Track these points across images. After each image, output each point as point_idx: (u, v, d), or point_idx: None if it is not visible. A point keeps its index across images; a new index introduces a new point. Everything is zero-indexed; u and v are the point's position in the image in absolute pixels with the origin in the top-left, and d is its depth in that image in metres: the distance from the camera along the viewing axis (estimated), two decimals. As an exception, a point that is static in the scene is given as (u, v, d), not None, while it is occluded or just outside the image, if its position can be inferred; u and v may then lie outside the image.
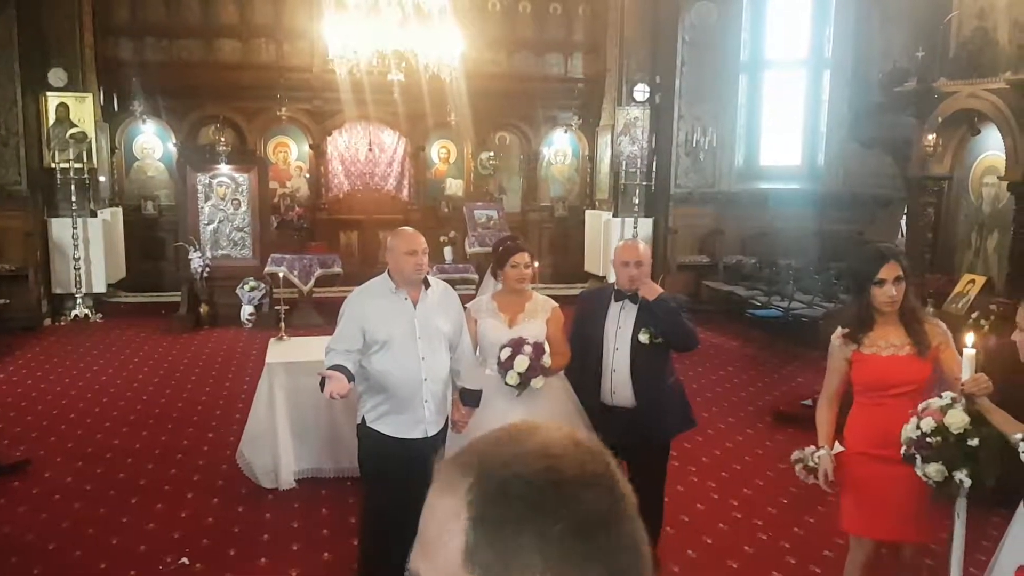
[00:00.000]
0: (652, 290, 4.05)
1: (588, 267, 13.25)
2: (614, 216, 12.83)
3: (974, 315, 5.67)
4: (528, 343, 3.99)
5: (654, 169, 12.67)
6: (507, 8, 13.15)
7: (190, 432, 6.52)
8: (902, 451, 3.19)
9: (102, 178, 11.58)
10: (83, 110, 10.81)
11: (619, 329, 4.18)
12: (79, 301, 10.79)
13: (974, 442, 3.11)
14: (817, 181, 12.37)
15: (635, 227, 12.49)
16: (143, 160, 12.39)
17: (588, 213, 13.45)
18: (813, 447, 3.64)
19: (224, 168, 10.67)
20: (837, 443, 3.63)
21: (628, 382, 4.13)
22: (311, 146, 12.81)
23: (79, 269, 10.73)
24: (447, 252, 11.59)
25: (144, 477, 5.65)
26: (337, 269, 10.62)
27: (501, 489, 0.88)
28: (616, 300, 4.23)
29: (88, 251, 10.84)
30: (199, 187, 10.59)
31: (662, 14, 12.56)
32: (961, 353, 3.24)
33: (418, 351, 3.82)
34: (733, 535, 4.98)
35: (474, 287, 9.26)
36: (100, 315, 10.88)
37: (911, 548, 3.66)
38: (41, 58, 10.39)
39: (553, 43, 13.37)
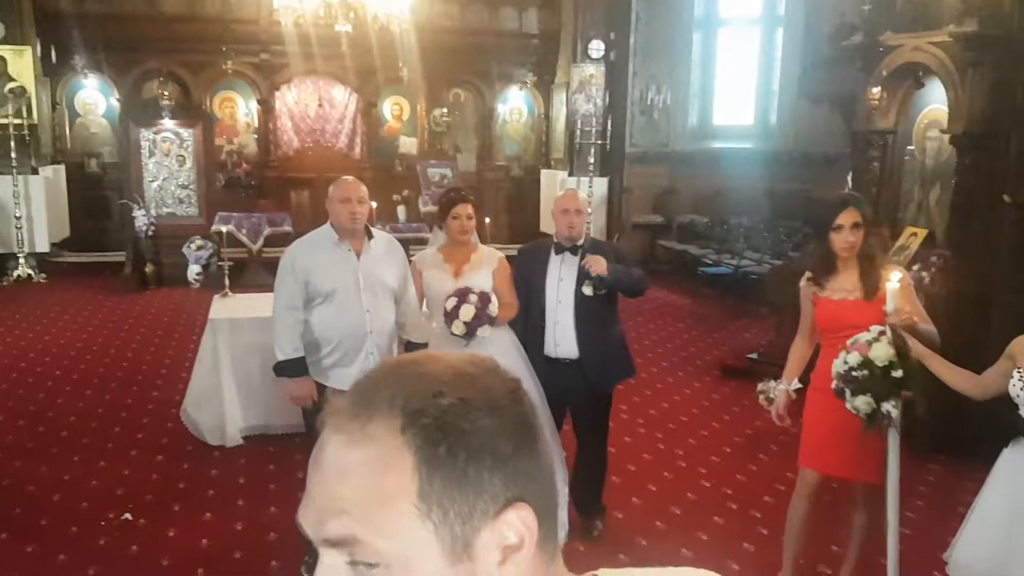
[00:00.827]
0: (600, 265, 4.01)
1: (544, 227, 13.19)
2: (570, 175, 12.78)
3: (915, 267, 5.77)
4: (474, 292, 3.96)
5: (609, 128, 12.64)
6: (460, -40, 12.92)
7: (134, 391, 6.41)
8: (832, 386, 3.30)
9: (43, 135, 11.25)
10: (22, 64, 10.45)
11: (561, 281, 4.17)
12: (21, 261, 10.51)
13: (898, 373, 3.20)
14: (769, 140, 12.46)
15: (590, 186, 12.46)
16: (85, 116, 12.00)
17: (544, 172, 13.39)
18: (776, 381, 3.87)
19: (168, 123, 10.40)
20: (796, 380, 3.83)
21: (572, 334, 4.14)
22: (259, 101, 12.51)
23: (20, 228, 10.44)
24: (400, 211, 11.48)
25: (87, 436, 5.55)
26: (287, 228, 10.43)
27: (441, 419, 0.81)
28: (557, 253, 4.22)
29: (30, 209, 10.54)
30: (143, 143, 10.32)
31: (616, -31, 12.45)
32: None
33: (363, 303, 3.78)
34: (677, 483, 5.06)
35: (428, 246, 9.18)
36: (43, 275, 10.61)
37: (862, 490, 3.77)
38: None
39: (507, -3, 13.18)
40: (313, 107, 12.77)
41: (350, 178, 3.93)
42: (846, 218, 3.43)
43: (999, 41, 5.14)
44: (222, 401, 5.33)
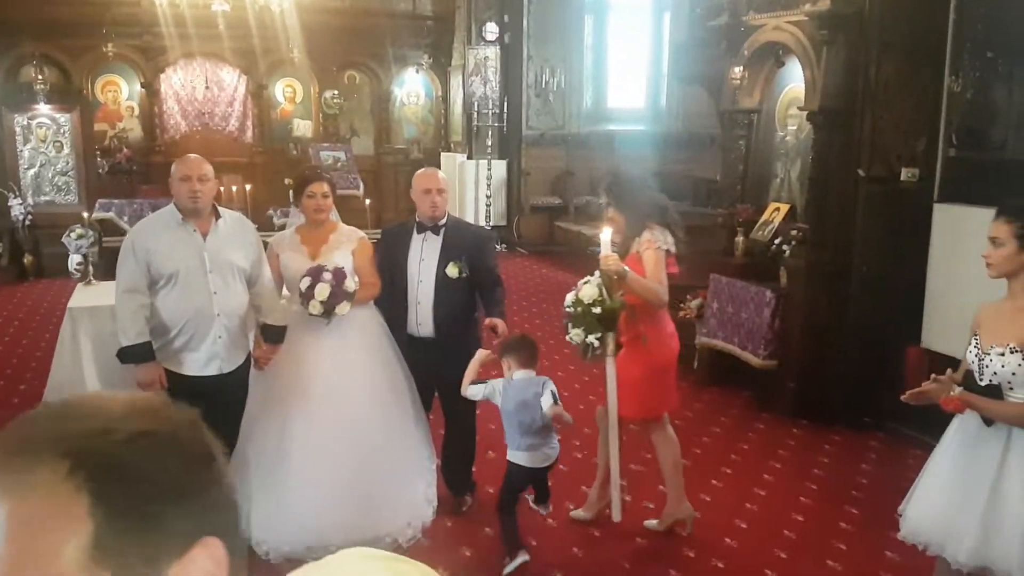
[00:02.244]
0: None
1: (448, 209, 13.17)
2: (468, 158, 12.78)
3: (777, 240, 5.98)
4: (327, 270, 3.92)
5: (506, 111, 12.67)
6: (350, -60, 12.71)
7: (22, 389, 6.17)
8: (564, 322, 3.91)
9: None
10: None
11: (423, 261, 4.17)
12: None
13: (597, 310, 3.78)
14: (659, 122, 12.70)
15: (489, 169, 12.51)
16: (-45, 101, 11.40)
17: (443, 155, 13.31)
18: None
19: (43, 108, 9.96)
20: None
21: (430, 313, 4.14)
22: (143, 85, 12.07)
23: None
24: (292, 195, 11.25)
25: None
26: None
27: (115, 457, 0.73)
28: (419, 232, 4.21)
29: None
30: (17, 129, 9.85)
31: (508, -49, 12.45)
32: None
33: (209, 285, 3.69)
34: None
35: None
36: (-89, 268, 10.07)
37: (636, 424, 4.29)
38: None
39: (400, -22, 13.04)
40: (201, 90, 12.40)
41: (193, 155, 3.82)
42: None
43: (851, 19, 5.34)
44: (84, 386, 5.13)
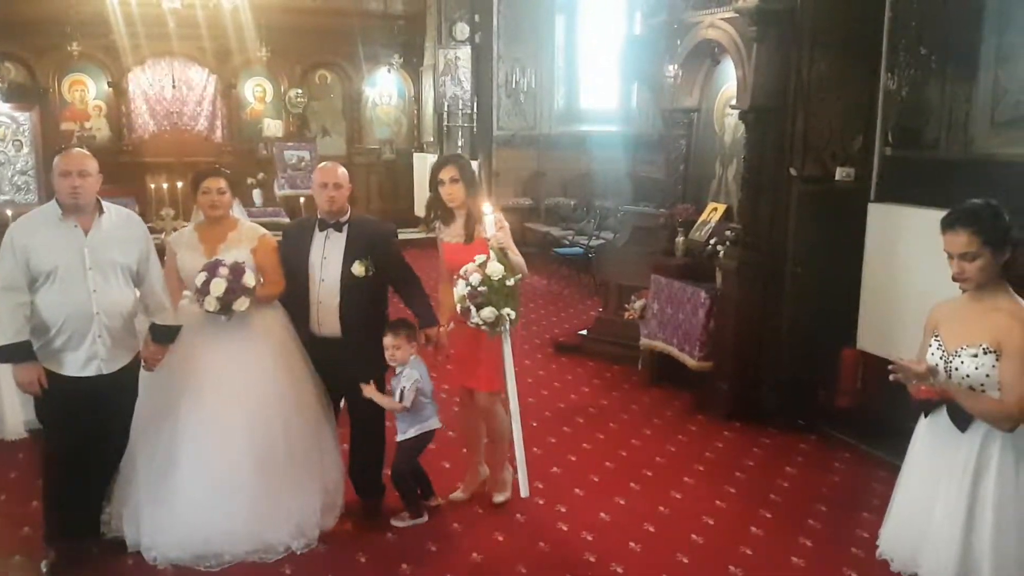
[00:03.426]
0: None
1: (419, 211, 13.06)
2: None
3: (712, 240, 5.89)
4: (224, 265, 3.82)
5: (476, 111, 12.59)
6: (320, -61, 12.64)
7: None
8: (457, 309, 3.99)
9: None
10: None
11: (325, 260, 4.07)
12: None
13: (511, 282, 3.97)
14: (631, 123, 12.58)
15: (457, 169, 12.40)
16: (-80, 101, 11.34)
17: (416, 156, 13.24)
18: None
19: (2, 107, 9.88)
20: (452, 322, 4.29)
21: (335, 313, 4.04)
22: (110, 84, 12.03)
23: None
24: (256, 194, 11.21)
25: None
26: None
27: None
28: (321, 230, 4.12)
29: None
30: (-24, 128, 9.80)
31: (479, -49, 12.38)
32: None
33: (88, 283, 3.58)
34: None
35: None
36: None
37: (484, 398, 4.35)
38: None
39: (370, -23, 12.97)
40: (169, 89, 12.35)
41: (76, 150, 3.72)
42: (446, 173, 4.16)
43: (782, 15, 5.25)
44: (0, 391, 5.06)
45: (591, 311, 8.71)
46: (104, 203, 3.76)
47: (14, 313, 3.54)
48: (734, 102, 5.62)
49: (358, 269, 4.05)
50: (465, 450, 4.73)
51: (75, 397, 3.62)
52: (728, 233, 5.67)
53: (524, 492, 4.15)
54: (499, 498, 4.42)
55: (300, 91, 12.54)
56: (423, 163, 12.90)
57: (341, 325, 4.04)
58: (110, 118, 12.24)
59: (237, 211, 4.33)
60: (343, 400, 4.32)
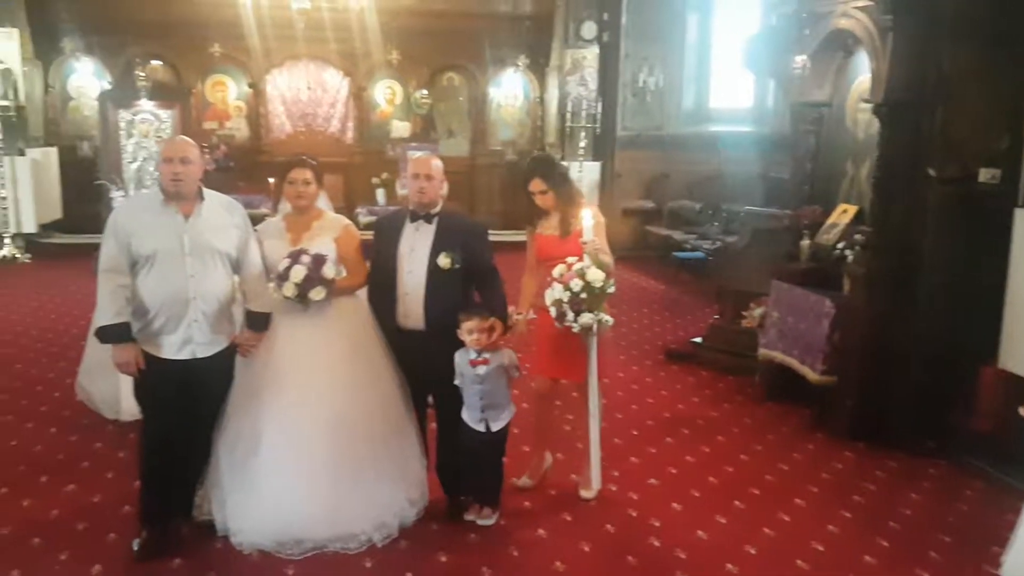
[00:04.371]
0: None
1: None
2: (561, 160, 12.54)
3: (840, 244, 5.48)
4: (307, 254, 3.83)
5: (600, 111, 12.38)
6: (451, -58, 12.76)
7: (61, 366, 6.41)
8: (552, 313, 4.04)
9: (34, 117, 11.42)
10: (9, 46, 10.58)
11: (412, 251, 4.01)
12: (7, 241, 10.69)
13: (612, 289, 4.04)
14: (766, 123, 12.05)
15: (580, 171, 12.23)
16: (79, 99, 12.16)
17: (538, 157, 13.14)
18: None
19: (146, 104, 10.43)
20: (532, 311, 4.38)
21: (420, 305, 3.97)
22: (249, 85, 12.55)
23: (6, 209, 10.61)
24: (379, 194, 11.40)
25: (-8, 408, 5.57)
26: (264, 210, 10.40)
27: None
28: (411, 221, 4.06)
29: (16, 191, 10.71)
30: (122, 124, 10.37)
31: (609, -50, 12.18)
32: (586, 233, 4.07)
33: (186, 268, 3.65)
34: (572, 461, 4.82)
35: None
36: (29, 256, 10.79)
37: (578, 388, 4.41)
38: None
39: (500, -21, 12.98)
40: (304, 91, 12.76)
41: (179, 138, 3.81)
42: (535, 186, 4.27)
43: (920, 3, 4.82)
44: (117, 374, 5.24)
45: (708, 319, 8.37)
46: (205, 190, 3.80)
47: (114, 294, 3.64)
48: (868, 96, 5.20)
49: (444, 261, 3.97)
50: (525, 448, 4.66)
51: (170, 380, 3.69)
52: (857, 237, 5.26)
53: (592, 490, 4.33)
54: (587, 495, 4.40)
55: (425, 92, 12.68)
56: (546, 164, 12.81)
57: (425, 317, 3.96)
58: (249, 118, 12.75)
59: (322, 202, 4.32)
60: (430, 396, 4.22)
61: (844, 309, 5.28)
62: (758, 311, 6.29)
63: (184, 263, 3.65)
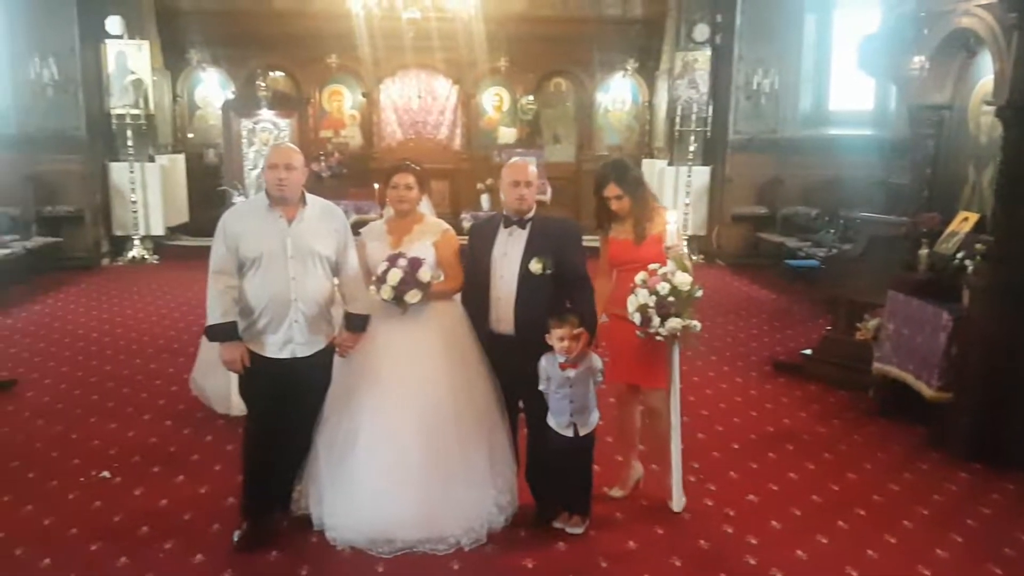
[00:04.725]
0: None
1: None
2: (669, 165, 12.39)
3: (959, 254, 5.17)
4: (404, 257, 3.90)
5: (711, 115, 12.13)
6: (562, -51, 12.78)
7: (180, 361, 6.73)
8: (636, 319, 3.93)
9: (163, 125, 12.08)
10: (140, 58, 11.20)
11: (505, 256, 4.01)
12: (137, 243, 11.34)
13: (700, 293, 3.93)
14: (888, 126, 11.53)
15: (689, 176, 12.04)
16: (204, 108, 12.80)
17: (645, 162, 12.99)
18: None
19: (266, 114, 10.88)
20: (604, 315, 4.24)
21: (511, 310, 3.97)
22: (363, 95, 12.91)
23: (136, 212, 11.26)
24: (484, 199, 11.50)
25: (114, 400, 5.90)
26: (374, 215, 10.68)
27: None
28: (505, 226, 4.06)
29: (146, 195, 11.34)
30: (243, 132, 10.86)
31: (723, -50, 11.92)
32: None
33: (288, 271, 3.77)
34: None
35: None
36: (156, 257, 11.41)
37: (657, 395, 4.29)
38: (99, 6, 10.80)
39: (610, -17, 12.89)
40: (416, 100, 13.03)
41: (284, 143, 3.95)
42: (610, 191, 4.24)
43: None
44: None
45: (820, 330, 8.05)
46: (308, 196, 3.92)
47: (222, 295, 3.79)
48: (991, 98, 4.89)
49: (535, 266, 3.96)
50: (619, 457, 4.60)
51: (272, 377, 3.83)
52: (978, 247, 4.95)
53: (677, 506, 4.20)
54: (677, 507, 4.31)
55: (531, 98, 12.73)
56: (651, 168, 12.65)
57: (515, 322, 3.96)
58: (363, 127, 13.13)
59: (425, 207, 4.38)
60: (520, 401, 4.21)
61: (963, 322, 4.97)
62: (872, 323, 6.01)
63: (287, 266, 3.77)
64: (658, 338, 3.94)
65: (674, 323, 3.88)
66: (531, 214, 4.06)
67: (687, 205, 12.08)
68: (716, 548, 3.96)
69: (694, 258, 12.02)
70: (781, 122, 12.11)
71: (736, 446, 5.22)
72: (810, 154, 11.81)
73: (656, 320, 3.88)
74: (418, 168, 4.20)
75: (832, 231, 9.53)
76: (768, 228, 11.75)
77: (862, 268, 6.34)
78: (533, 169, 4.09)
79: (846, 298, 6.51)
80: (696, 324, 3.95)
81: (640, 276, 3.95)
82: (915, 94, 5.62)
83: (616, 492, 4.43)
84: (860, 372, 6.06)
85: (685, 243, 4.23)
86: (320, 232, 3.88)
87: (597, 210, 4.35)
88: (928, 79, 5.40)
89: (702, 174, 12.19)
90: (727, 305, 9.20)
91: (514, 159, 4.23)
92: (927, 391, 5.17)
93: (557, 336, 3.84)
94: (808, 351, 6.79)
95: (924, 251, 5.54)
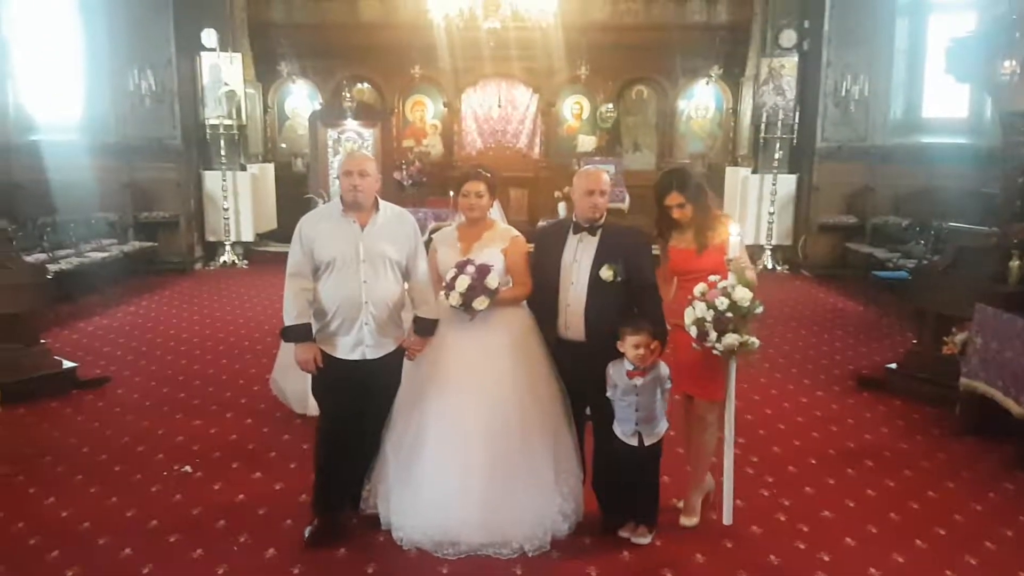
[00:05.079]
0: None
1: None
2: (753, 172, 12.18)
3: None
4: (473, 264, 3.94)
5: (797, 121, 11.87)
6: (645, -44, 12.72)
7: (263, 362, 6.93)
8: (693, 332, 3.79)
9: (254, 135, 12.51)
10: (233, 70, 11.64)
11: (575, 263, 4.01)
12: (228, 248, 11.76)
13: (760, 309, 3.76)
14: (984, 135, 11.06)
15: (774, 184, 11.80)
16: (293, 119, 13.22)
17: (728, 170, 12.80)
18: None
19: (351, 124, 11.15)
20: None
21: (581, 317, 3.97)
22: (445, 104, 13.10)
23: (228, 219, 11.68)
24: (561, 207, 11.49)
25: (200, 398, 6.13)
26: (451, 223, 10.80)
27: None
28: (575, 233, 4.06)
29: (237, 203, 11.76)
30: (329, 142, 11.14)
31: (813, -46, 11.67)
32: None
33: (360, 274, 3.86)
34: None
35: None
36: (246, 262, 11.81)
37: (713, 407, 4.19)
38: (195, 20, 11.28)
39: (695, -11, 12.77)
40: (495, 109, 13.16)
41: (357, 152, 4.05)
42: (672, 199, 4.12)
43: None
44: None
45: (907, 344, 7.77)
46: (381, 202, 4.02)
47: (298, 297, 3.91)
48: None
49: (606, 273, 3.94)
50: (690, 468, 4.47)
51: (343, 378, 3.93)
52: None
53: (727, 519, 4.03)
54: (687, 522, 4.23)
55: (610, 106, 12.69)
56: (734, 177, 12.45)
57: (585, 329, 3.95)
58: (444, 136, 13.33)
59: (495, 213, 4.42)
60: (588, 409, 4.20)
61: (1058, 337, 4.74)
62: (960, 337, 5.76)
63: (359, 269, 3.87)
64: (715, 352, 3.80)
65: (731, 339, 3.72)
66: (601, 221, 4.05)
67: (771, 214, 11.85)
68: (786, 564, 3.86)
69: (778, 268, 11.79)
70: (871, 129, 11.76)
71: (813, 461, 5.08)
72: (902, 162, 11.44)
73: (713, 335, 3.74)
74: (488, 175, 4.23)
75: (923, 242, 9.19)
76: (857, 238, 11.41)
77: (950, 280, 6.10)
78: (607, 178, 4.07)
79: (933, 311, 6.27)
80: (754, 342, 3.76)
81: (699, 288, 3.81)
82: (1007, 100, 5.39)
83: (682, 505, 4.35)
84: (946, 388, 5.82)
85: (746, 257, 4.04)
86: (391, 237, 3.96)
87: (658, 219, 4.25)
88: (1020, 84, 5.17)
89: (788, 182, 11.94)
90: (811, 317, 8.96)
91: (587, 166, 4.22)
92: (1016, 408, 4.94)
93: (632, 344, 3.81)
94: (893, 365, 6.56)
95: (1015, 263, 5.31)
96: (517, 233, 4.24)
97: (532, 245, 4.29)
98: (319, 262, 3.91)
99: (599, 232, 4.02)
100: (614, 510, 4.15)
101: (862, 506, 4.48)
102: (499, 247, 4.12)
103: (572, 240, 4.06)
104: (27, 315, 6.22)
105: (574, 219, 4.12)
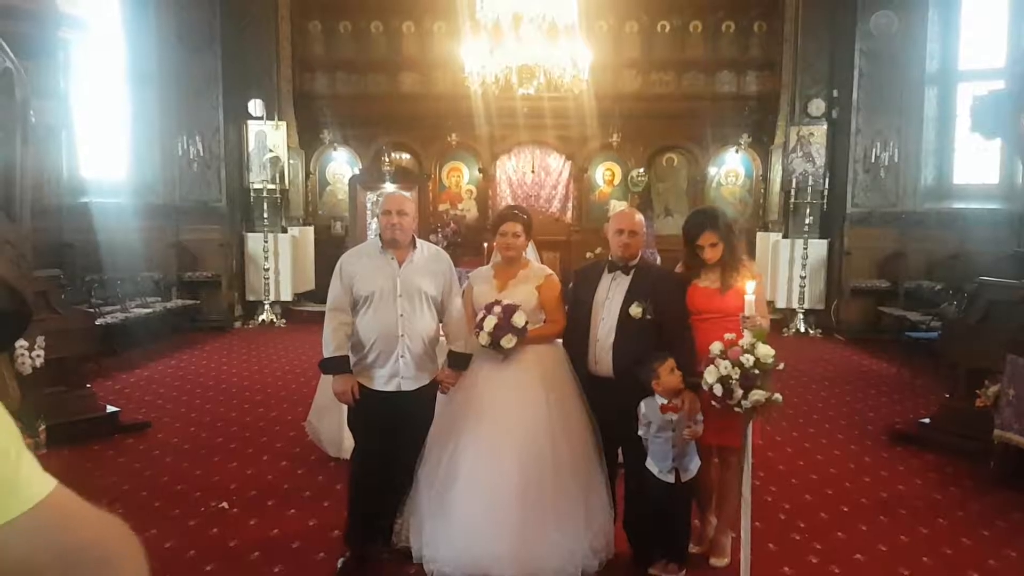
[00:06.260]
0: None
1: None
2: (784, 237, 12.29)
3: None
4: (500, 304, 4.07)
5: (827, 188, 12.01)
6: (677, 29, 13.10)
7: (299, 410, 7.06)
8: (718, 391, 3.67)
9: (296, 199, 12.90)
10: (277, 137, 12.11)
11: (607, 300, 4.13)
12: (267, 307, 12.03)
13: (781, 366, 3.68)
14: (1017, 200, 11.09)
15: (805, 248, 11.89)
16: (334, 184, 13.61)
17: (759, 235, 12.91)
18: None
19: (389, 187, 11.48)
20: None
21: (609, 353, 4.06)
22: (480, 170, 13.44)
23: (267, 279, 11.98)
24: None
25: (237, 442, 6.26)
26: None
27: None
28: (609, 271, 4.20)
29: (277, 263, 12.08)
30: (367, 204, 11.47)
31: (840, 26, 11.97)
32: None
33: (397, 308, 4.02)
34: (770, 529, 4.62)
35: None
36: (284, 320, 12.05)
37: (731, 452, 4.16)
38: (242, 90, 11.81)
39: (726, 61, 13.08)
40: (528, 174, 13.47)
41: (396, 192, 4.24)
42: (705, 239, 4.19)
43: None
44: (341, 415, 5.74)
45: (941, 401, 7.72)
46: (418, 240, 4.19)
47: (337, 330, 4.07)
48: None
49: (635, 311, 4.05)
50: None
51: (379, 410, 4.04)
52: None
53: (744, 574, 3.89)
54: (718, 563, 4.23)
55: (641, 171, 12.94)
56: (765, 242, 12.55)
57: (613, 365, 4.04)
58: (478, 200, 13.63)
59: (531, 253, 4.57)
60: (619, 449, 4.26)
61: (1092, 385, 4.72)
62: (993, 389, 5.75)
63: (396, 303, 4.02)
64: (737, 410, 3.67)
65: (758, 395, 3.63)
66: (635, 261, 4.18)
67: (803, 278, 11.90)
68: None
69: (811, 332, 11.77)
70: (902, 195, 11.86)
71: (845, 508, 5.05)
72: (933, 228, 11.51)
73: (739, 392, 3.63)
74: (525, 216, 4.39)
75: (955, 303, 9.18)
76: (891, 302, 11.40)
77: (981, 333, 6.11)
78: (639, 218, 4.22)
79: (965, 364, 6.26)
80: (778, 397, 3.68)
81: (716, 347, 3.72)
82: (1033, 154, 5.47)
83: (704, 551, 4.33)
84: (980, 441, 5.78)
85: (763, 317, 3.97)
86: (427, 273, 4.12)
87: (687, 259, 4.31)
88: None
89: (819, 247, 12.02)
90: (844, 376, 8.94)
91: (621, 208, 4.36)
92: (1053, 459, 4.89)
93: (667, 368, 3.87)
94: (926, 420, 6.53)
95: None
96: (551, 271, 4.38)
97: (571, 283, 4.42)
98: (358, 296, 4.07)
99: (632, 271, 4.15)
100: (645, 547, 4.16)
101: (895, 551, 4.44)
102: (533, 285, 4.25)
103: (607, 278, 4.19)
104: (74, 359, 6.44)
105: (609, 258, 4.25)
